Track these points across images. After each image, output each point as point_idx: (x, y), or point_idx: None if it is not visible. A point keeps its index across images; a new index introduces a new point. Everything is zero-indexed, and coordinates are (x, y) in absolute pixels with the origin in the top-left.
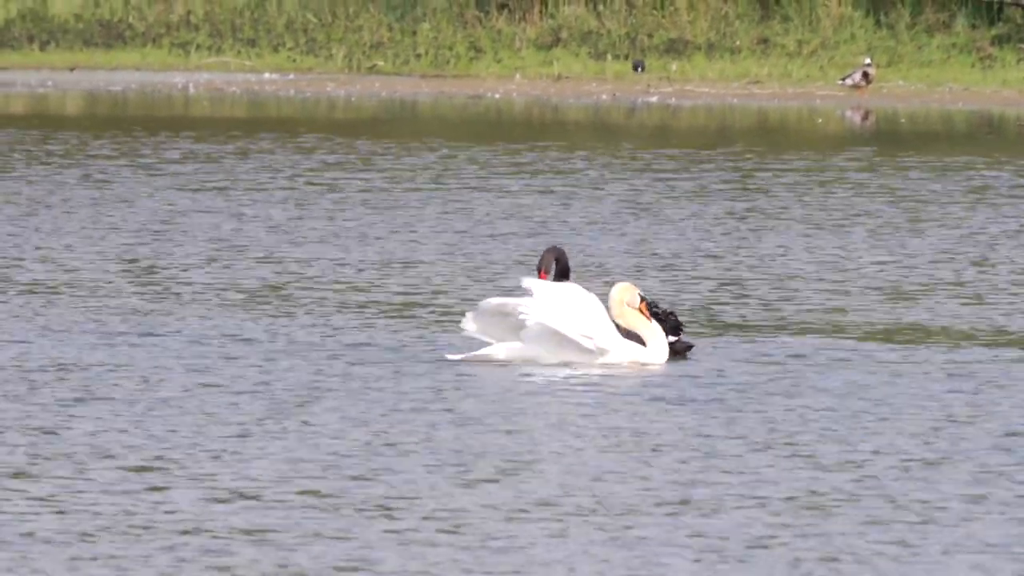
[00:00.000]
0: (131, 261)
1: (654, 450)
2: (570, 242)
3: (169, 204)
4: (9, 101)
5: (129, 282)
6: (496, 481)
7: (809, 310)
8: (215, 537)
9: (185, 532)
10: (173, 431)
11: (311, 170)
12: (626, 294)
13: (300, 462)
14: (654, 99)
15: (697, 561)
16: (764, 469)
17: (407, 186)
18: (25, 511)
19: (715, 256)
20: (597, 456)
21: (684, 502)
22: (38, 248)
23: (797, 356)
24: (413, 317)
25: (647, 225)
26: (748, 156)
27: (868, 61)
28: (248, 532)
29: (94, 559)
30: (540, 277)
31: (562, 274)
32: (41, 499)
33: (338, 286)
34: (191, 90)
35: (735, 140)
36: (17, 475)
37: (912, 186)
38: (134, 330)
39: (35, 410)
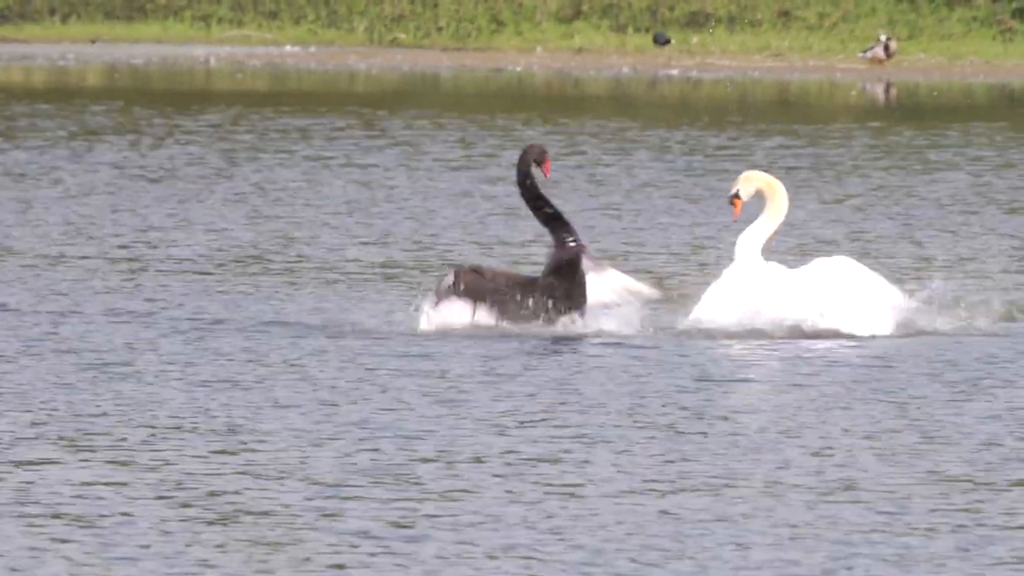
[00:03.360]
0: (142, 233)
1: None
2: (598, 223)
3: (189, 182)
4: (30, 74)
5: (153, 257)
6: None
7: None
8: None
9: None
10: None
11: (330, 140)
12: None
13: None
14: (675, 72)
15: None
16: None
17: (427, 158)
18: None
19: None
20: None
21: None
22: (68, 223)
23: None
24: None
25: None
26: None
27: (883, 37)
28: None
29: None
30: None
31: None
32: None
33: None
34: (212, 63)
35: (759, 113)
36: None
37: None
38: (157, 303)
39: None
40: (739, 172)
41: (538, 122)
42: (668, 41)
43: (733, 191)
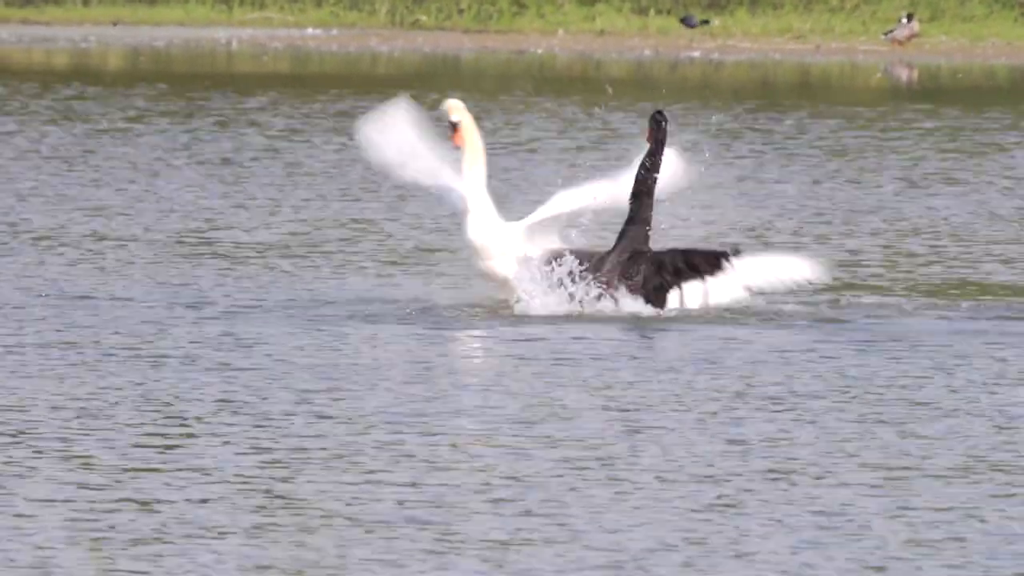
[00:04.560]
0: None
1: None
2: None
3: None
4: (51, 56)
5: (179, 242)
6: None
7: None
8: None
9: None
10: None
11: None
12: (452, 105)
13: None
14: (696, 54)
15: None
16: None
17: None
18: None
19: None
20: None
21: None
22: (100, 208)
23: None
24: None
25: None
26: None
27: (905, 19)
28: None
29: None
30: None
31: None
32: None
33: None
34: (234, 46)
35: (783, 95)
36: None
37: None
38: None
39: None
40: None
41: (568, 103)
42: (698, 23)
43: (453, 119)
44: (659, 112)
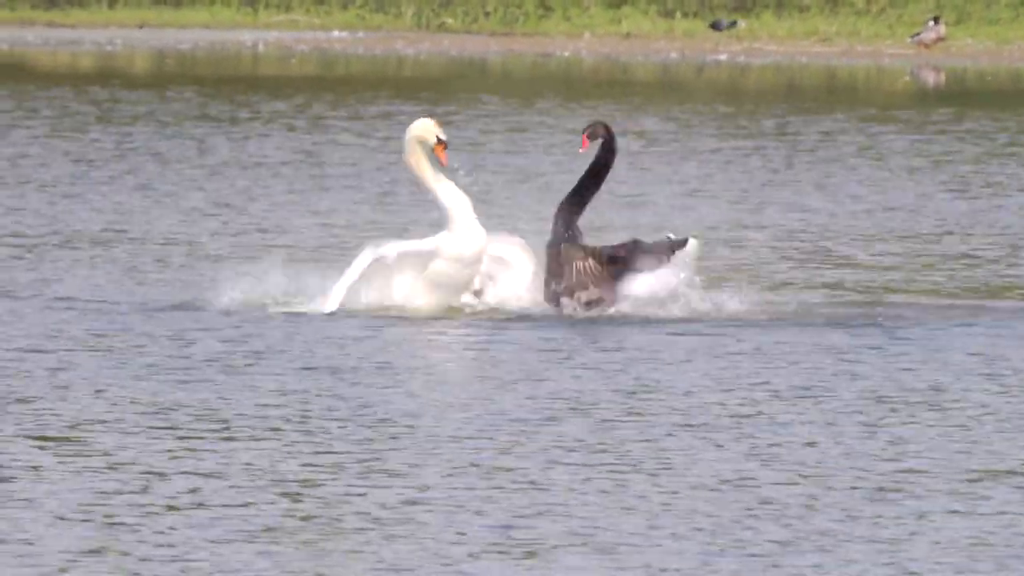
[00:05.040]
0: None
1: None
2: (644, 217)
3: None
4: (77, 59)
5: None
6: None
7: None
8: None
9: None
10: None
11: (379, 129)
12: (421, 129)
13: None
14: (723, 57)
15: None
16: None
17: (477, 144)
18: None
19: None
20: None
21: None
22: (125, 210)
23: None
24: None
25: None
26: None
27: (932, 22)
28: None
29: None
30: (583, 143)
31: (607, 151)
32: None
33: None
34: (260, 48)
35: (808, 98)
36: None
37: None
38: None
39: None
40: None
41: (589, 105)
42: (729, 25)
43: (441, 136)
44: (595, 125)
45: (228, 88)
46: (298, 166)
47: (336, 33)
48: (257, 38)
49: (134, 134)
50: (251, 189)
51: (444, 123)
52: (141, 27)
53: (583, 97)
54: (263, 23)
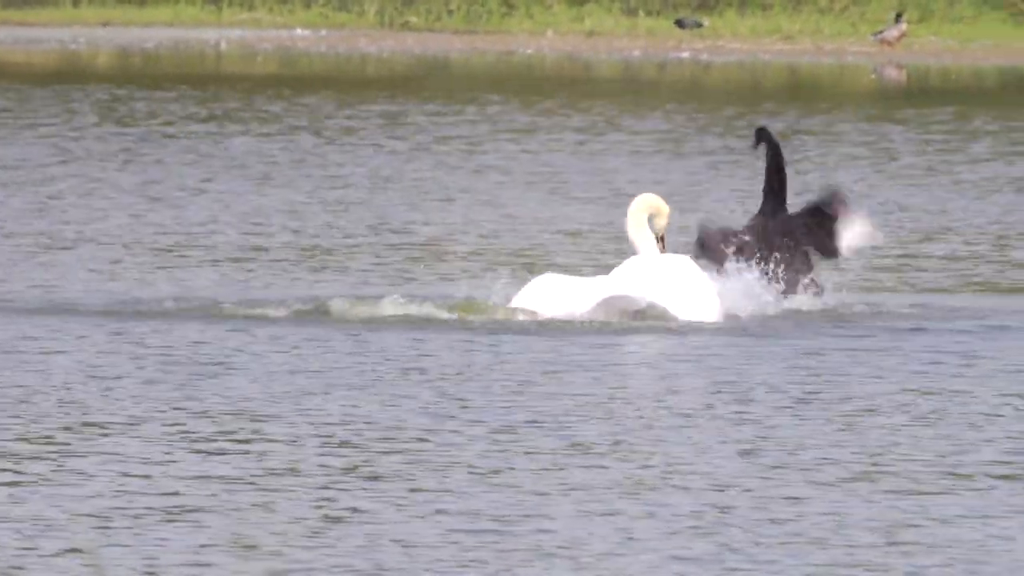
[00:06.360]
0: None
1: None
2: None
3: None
4: (41, 57)
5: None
6: None
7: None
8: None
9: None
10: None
11: (350, 129)
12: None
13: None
14: (685, 55)
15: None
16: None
17: (441, 143)
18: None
19: None
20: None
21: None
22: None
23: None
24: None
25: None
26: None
27: (895, 20)
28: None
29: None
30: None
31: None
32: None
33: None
34: (223, 47)
35: (772, 97)
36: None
37: None
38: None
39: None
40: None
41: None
42: (694, 24)
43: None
44: (761, 129)
45: (189, 86)
46: (249, 164)
47: (299, 31)
48: (220, 36)
49: (96, 132)
50: (202, 186)
51: (407, 122)
52: (105, 25)
53: (545, 95)
54: (227, 21)
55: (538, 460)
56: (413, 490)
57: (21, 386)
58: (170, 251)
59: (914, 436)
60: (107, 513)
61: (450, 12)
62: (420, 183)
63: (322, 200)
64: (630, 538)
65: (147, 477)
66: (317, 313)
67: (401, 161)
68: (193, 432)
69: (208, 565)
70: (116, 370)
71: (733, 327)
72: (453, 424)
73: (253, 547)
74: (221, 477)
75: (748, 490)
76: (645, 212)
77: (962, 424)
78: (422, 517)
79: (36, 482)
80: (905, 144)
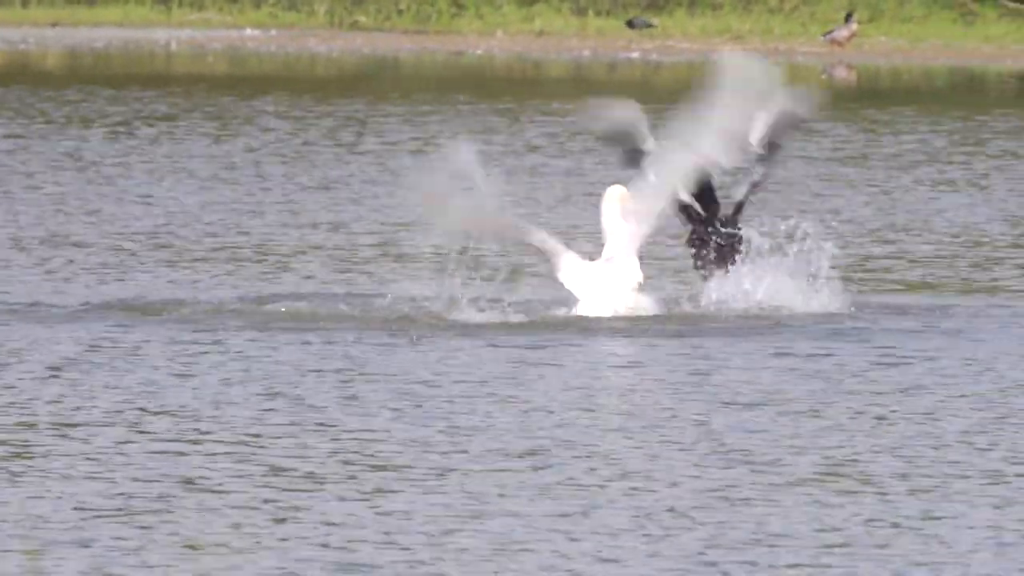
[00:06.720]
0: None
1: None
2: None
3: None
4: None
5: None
6: None
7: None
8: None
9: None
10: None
11: (300, 128)
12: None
13: None
14: (635, 55)
15: None
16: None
17: (391, 143)
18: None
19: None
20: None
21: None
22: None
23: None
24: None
25: None
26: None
27: (846, 20)
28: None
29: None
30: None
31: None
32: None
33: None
34: (173, 47)
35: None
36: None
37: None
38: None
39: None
40: None
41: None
42: (645, 25)
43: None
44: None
45: (139, 86)
46: (212, 164)
47: (249, 31)
48: (170, 36)
49: (43, 131)
50: (151, 186)
51: (357, 121)
52: (55, 25)
53: (495, 95)
54: (176, 21)
55: (497, 463)
56: (369, 492)
57: None
58: (119, 251)
59: (878, 438)
60: (50, 515)
61: (400, 12)
62: (370, 183)
63: (274, 200)
64: (578, 540)
65: (97, 478)
66: (269, 315)
67: (352, 160)
68: (147, 433)
69: (154, 567)
70: (72, 371)
71: (701, 328)
72: (406, 426)
73: (198, 547)
74: (168, 476)
75: (702, 491)
76: (617, 203)
77: (928, 426)
78: (380, 517)
79: None
80: (856, 144)
